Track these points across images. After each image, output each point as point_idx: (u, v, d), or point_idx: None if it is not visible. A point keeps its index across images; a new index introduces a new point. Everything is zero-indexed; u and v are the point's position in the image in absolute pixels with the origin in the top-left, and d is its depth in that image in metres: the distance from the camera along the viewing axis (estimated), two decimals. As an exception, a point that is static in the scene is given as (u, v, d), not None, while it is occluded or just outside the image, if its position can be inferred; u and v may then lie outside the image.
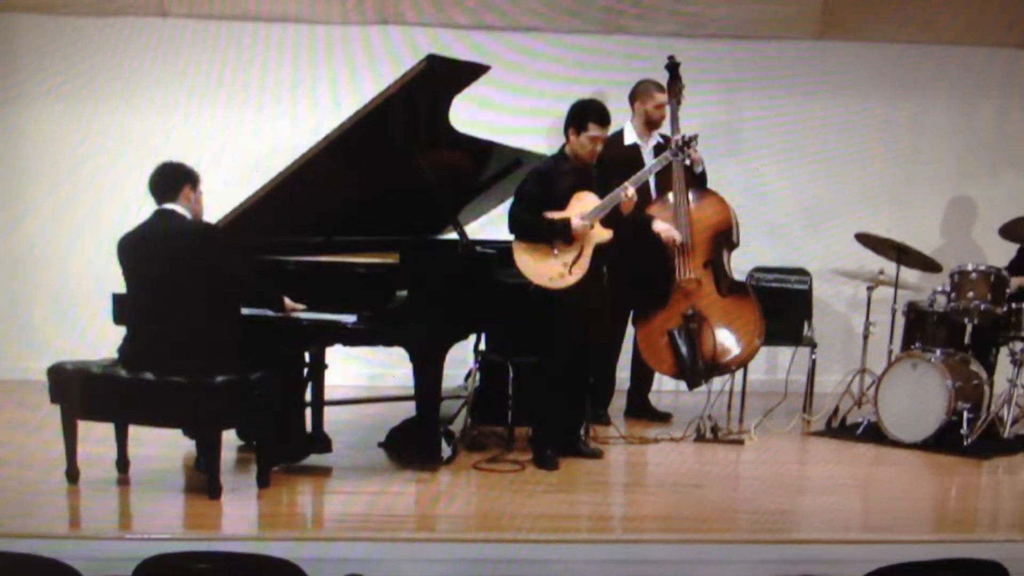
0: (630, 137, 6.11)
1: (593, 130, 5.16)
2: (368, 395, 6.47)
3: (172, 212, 4.68)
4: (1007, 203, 6.74)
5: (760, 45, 7.16)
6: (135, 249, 4.68)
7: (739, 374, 6.27)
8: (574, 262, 5.15)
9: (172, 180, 4.72)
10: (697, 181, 6.04)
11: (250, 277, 4.86)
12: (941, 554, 3.71)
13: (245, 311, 4.89)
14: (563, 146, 5.29)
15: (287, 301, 4.87)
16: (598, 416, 5.95)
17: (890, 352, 6.23)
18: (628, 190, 5.19)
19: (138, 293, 4.72)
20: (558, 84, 6.68)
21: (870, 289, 6.37)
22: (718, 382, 6.00)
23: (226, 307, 4.74)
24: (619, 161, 5.63)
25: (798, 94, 7.22)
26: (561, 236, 5.13)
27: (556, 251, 5.15)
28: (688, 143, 5.56)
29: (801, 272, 6.78)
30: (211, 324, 4.61)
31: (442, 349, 5.06)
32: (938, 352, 5.84)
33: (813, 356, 6.49)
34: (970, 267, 5.95)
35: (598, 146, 5.22)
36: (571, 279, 5.14)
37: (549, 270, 5.15)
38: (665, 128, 6.08)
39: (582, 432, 5.51)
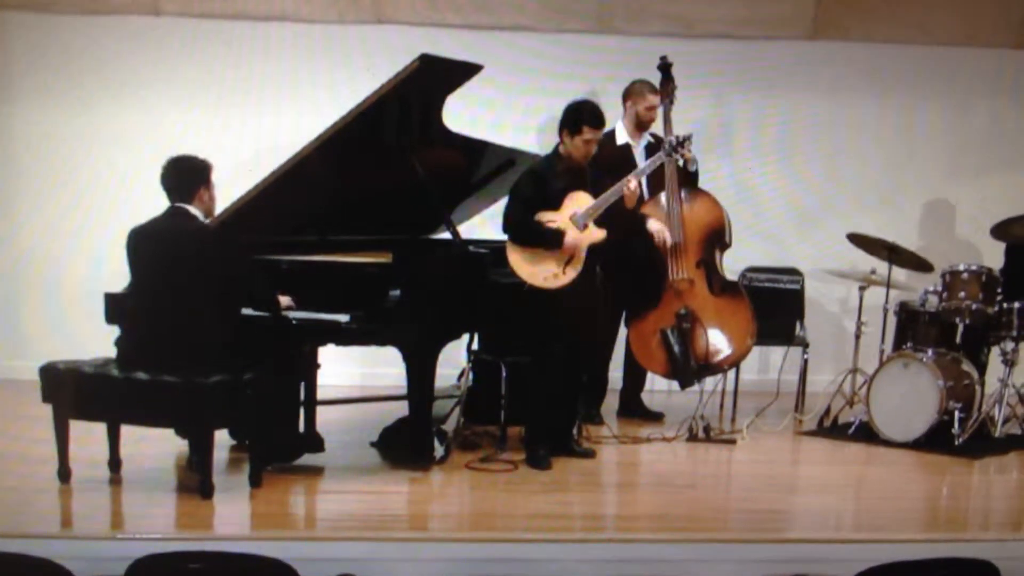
0: (622, 137, 6.10)
1: (587, 133, 5.15)
2: (361, 395, 6.45)
3: (186, 212, 4.68)
4: (999, 203, 6.73)
5: (753, 45, 7.17)
6: (145, 244, 4.68)
7: (731, 374, 6.29)
8: (568, 262, 5.15)
9: (186, 181, 4.69)
10: (689, 181, 6.04)
11: (255, 282, 4.85)
12: (932, 553, 3.72)
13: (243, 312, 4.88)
14: (557, 146, 5.29)
15: (280, 298, 4.88)
16: (591, 416, 5.97)
17: (882, 352, 6.24)
18: (631, 183, 5.19)
19: (141, 288, 4.72)
20: (550, 83, 6.69)
21: (862, 289, 6.38)
22: (710, 382, 6.01)
23: (227, 309, 4.74)
24: (611, 161, 5.62)
25: (791, 94, 7.24)
26: (553, 245, 5.13)
27: (550, 251, 5.15)
28: (682, 143, 5.53)
29: (793, 272, 6.78)
30: (211, 324, 4.61)
31: (435, 348, 5.06)
32: (930, 352, 5.85)
33: (805, 356, 6.51)
34: (961, 267, 5.96)
35: (592, 148, 5.22)
36: (565, 279, 5.14)
37: (543, 270, 5.15)
38: (658, 128, 6.08)
39: (575, 432, 5.51)
